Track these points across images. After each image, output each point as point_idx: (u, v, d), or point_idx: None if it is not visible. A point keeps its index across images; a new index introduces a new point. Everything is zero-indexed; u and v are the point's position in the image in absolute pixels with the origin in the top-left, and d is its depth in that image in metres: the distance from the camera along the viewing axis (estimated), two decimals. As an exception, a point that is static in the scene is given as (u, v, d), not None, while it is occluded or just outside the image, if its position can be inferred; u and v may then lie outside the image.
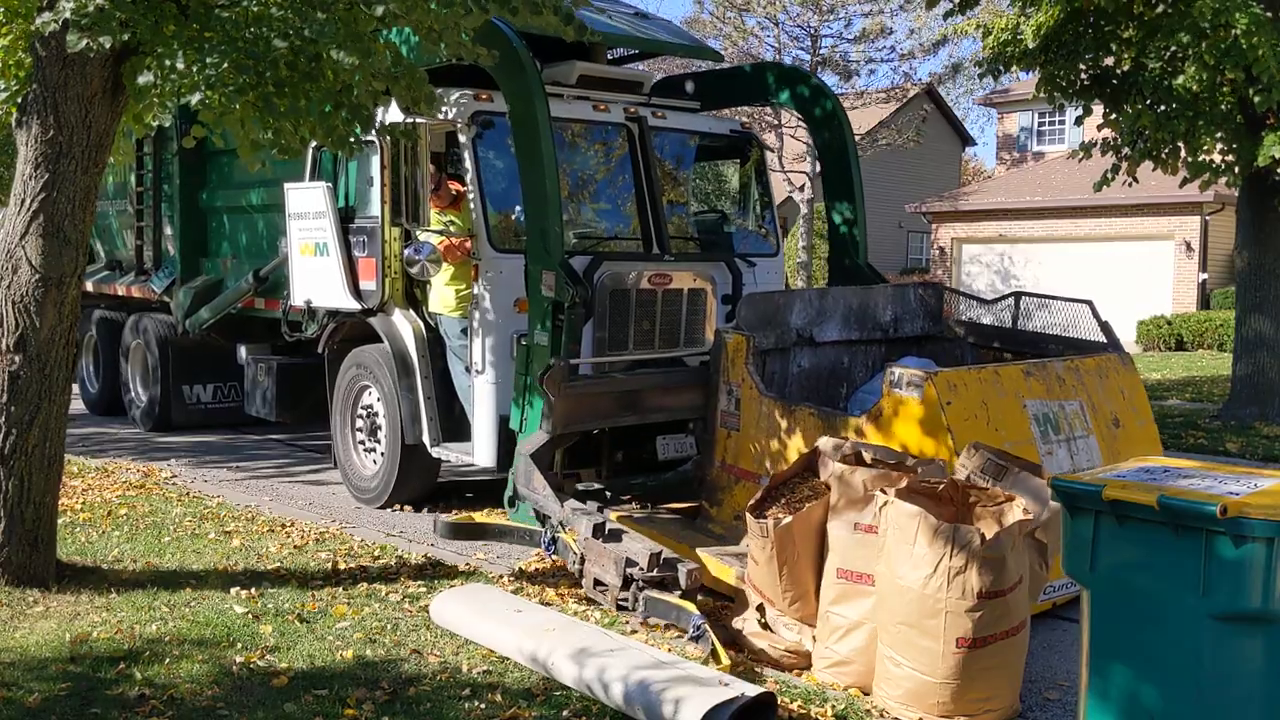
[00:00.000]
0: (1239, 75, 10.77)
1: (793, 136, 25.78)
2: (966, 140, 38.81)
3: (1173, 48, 11.33)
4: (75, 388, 11.12)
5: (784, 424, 6.03)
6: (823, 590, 4.88)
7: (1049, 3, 11.54)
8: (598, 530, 5.72)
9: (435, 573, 6.26)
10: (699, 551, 5.98)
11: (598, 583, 5.64)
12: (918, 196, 29.77)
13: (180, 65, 4.99)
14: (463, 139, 7.28)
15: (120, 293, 11.48)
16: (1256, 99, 10.84)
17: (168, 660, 4.77)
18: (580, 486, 7.04)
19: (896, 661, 4.47)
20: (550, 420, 6.33)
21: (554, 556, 6.22)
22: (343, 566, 6.33)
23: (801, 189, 25.88)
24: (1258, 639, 3.28)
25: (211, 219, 10.35)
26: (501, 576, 6.22)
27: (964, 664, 4.32)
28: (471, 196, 7.27)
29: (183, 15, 5.11)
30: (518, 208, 7.19)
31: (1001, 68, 12.44)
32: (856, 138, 8.95)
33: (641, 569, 5.41)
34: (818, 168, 20.61)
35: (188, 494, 8.22)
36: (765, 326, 6.74)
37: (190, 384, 10.99)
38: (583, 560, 5.76)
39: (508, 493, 6.72)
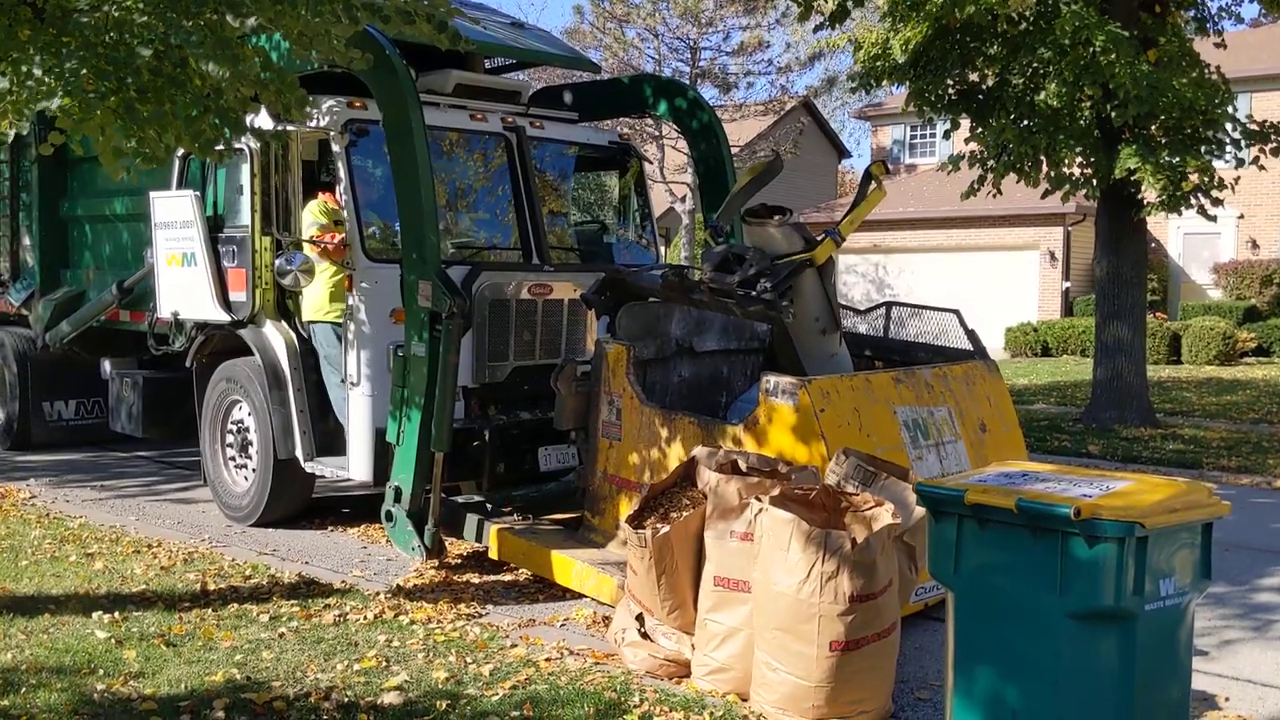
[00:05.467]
0: (1097, 92, 11.26)
1: (674, 148, 25.97)
2: (843, 153, 39.63)
3: (1035, 65, 11.80)
4: (-75, 405, 10.58)
5: (665, 433, 6.06)
6: (700, 598, 4.92)
7: (917, 19, 11.89)
8: None
9: (309, 592, 6.13)
10: (581, 562, 5.97)
11: None
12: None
13: (37, 71, 4.79)
14: (336, 147, 7.15)
15: (-25, 306, 10.98)
16: (1113, 114, 11.35)
17: (24, 690, 4.57)
18: (460, 499, 6.97)
19: (772, 666, 4.52)
20: (561, 417, 6.44)
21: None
22: (212, 587, 6.15)
23: (683, 200, 26.11)
24: (1111, 636, 3.42)
25: (73, 228, 9.98)
26: (379, 594, 6.12)
27: (837, 667, 4.40)
28: (345, 204, 7.16)
29: (38, 19, 4.91)
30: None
31: (873, 82, 12.78)
32: (736, 150, 9.07)
33: None
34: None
35: (48, 515, 7.90)
36: (645, 336, 6.77)
37: (51, 400, 10.58)
38: None
39: (384, 507, 6.61)
